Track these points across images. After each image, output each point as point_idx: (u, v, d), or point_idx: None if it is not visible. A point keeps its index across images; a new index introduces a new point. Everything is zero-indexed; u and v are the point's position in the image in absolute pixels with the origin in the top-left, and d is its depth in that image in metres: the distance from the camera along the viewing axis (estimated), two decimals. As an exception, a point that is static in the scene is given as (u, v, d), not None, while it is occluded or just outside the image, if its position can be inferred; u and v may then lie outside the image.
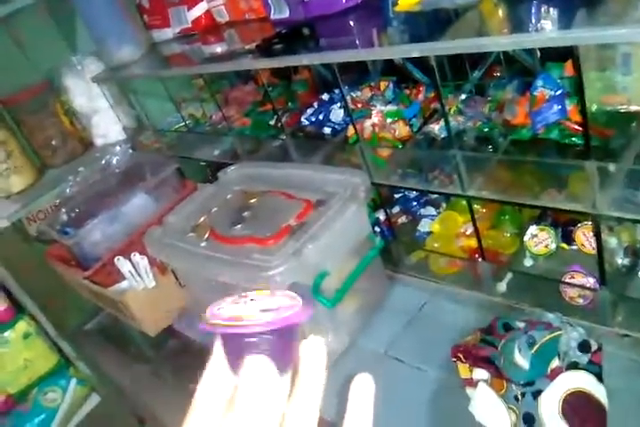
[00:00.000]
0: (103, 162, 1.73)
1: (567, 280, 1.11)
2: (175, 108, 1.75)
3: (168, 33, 1.77)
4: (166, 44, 1.78)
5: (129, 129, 1.85)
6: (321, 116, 1.41)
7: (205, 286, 1.15)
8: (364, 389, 0.31)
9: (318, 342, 0.32)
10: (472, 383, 1.02)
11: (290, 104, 1.56)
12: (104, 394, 1.66)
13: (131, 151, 1.77)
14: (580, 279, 1.10)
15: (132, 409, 1.57)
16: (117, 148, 1.76)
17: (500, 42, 0.77)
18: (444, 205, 1.41)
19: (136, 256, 1.33)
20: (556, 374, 0.95)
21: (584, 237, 1.18)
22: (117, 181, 1.65)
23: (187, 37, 1.71)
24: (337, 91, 1.42)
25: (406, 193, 1.44)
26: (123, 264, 1.33)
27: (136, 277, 1.34)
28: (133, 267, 1.33)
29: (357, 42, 1.10)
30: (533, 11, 0.88)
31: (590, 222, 1.12)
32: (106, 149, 1.80)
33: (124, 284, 1.38)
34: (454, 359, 1.07)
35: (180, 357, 1.40)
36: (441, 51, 0.84)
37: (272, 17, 1.39)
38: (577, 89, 0.75)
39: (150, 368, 1.44)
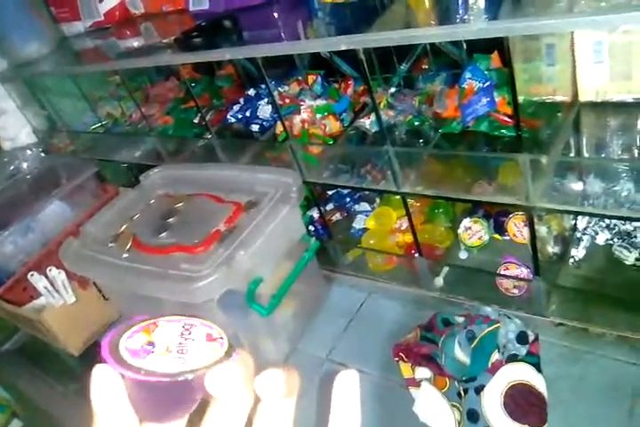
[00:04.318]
0: (12, 167, 1.61)
1: (502, 272, 1.11)
2: (90, 107, 1.63)
3: (79, 26, 1.65)
4: (78, 38, 1.66)
5: (40, 131, 1.72)
6: (248, 113, 1.35)
7: (132, 299, 1.07)
8: (348, 386, 0.28)
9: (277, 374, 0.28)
10: (415, 383, 1.00)
11: (214, 101, 1.49)
12: (26, 419, 1.53)
13: (43, 155, 1.65)
14: (514, 270, 1.11)
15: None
16: (28, 151, 1.64)
17: (431, 33, 0.74)
18: (377, 200, 1.39)
19: (52, 270, 1.22)
20: (496, 367, 0.94)
21: (515, 227, 1.19)
22: (29, 187, 1.53)
23: (100, 31, 1.60)
24: (263, 86, 1.37)
25: (340, 189, 1.41)
26: (37, 280, 1.21)
27: (53, 293, 1.23)
28: (50, 282, 1.22)
29: (282, 34, 1.05)
30: (460, 1, 0.86)
31: (521, 213, 1.14)
32: (14, 153, 1.67)
33: (40, 301, 1.26)
34: (396, 359, 1.05)
35: (108, 375, 1.30)
36: (370, 43, 0.81)
37: (191, 9, 1.31)
38: (509, 80, 0.74)
39: (76, 389, 1.34)
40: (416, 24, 0.87)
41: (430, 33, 0.76)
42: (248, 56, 1.04)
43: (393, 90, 1.17)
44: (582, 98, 1.04)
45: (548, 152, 0.89)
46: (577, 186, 0.93)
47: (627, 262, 1.06)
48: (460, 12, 0.85)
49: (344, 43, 0.84)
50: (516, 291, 1.10)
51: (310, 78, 1.33)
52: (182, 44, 1.12)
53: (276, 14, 1.16)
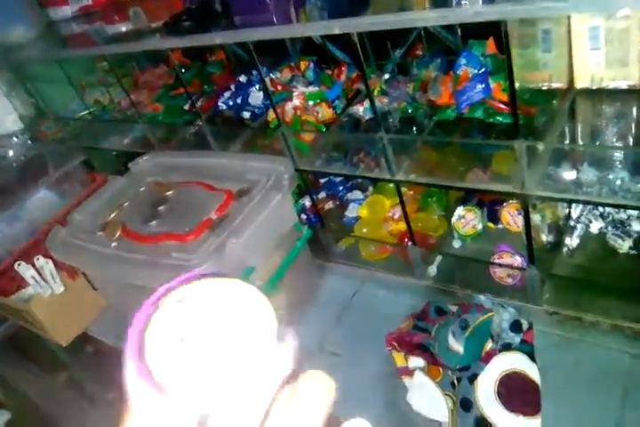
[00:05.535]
0: (-2, 155, 1.57)
1: (496, 261, 1.11)
2: (78, 94, 1.60)
3: (66, 11, 1.61)
4: (65, 23, 1.61)
5: (27, 118, 1.69)
6: (239, 100, 1.32)
7: (121, 288, 1.05)
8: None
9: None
10: (408, 373, 1.00)
11: (205, 87, 1.46)
12: (14, 410, 1.51)
13: (29, 142, 1.62)
14: (508, 259, 1.10)
15: (46, 424, 1.45)
16: (14, 139, 1.61)
17: (428, 17, 0.72)
18: (370, 188, 1.38)
19: (40, 260, 1.19)
20: (490, 356, 0.94)
21: (509, 215, 1.19)
22: (16, 175, 1.50)
23: (87, 16, 1.55)
24: (255, 72, 1.34)
25: (332, 177, 1.40)
26: (25, 269, 1.19)
27: (41, 283, 1.21)
28: (37, 271, 1.20)
29: (274, 19, 1.03)
30: (456, -16, 0.84)
31: (515, 201, 1.13)
32: (0, 140, 1.63)
33: (28, 290, 1.24)
34: (389, 348, 1.05)
35: (96, 365, 1.29)
36: (364, 26, 0.79)
37: (180, -7, 1.29)
38: (505, 66, 0.72)
39: (64, 379, 1.33)
40: (410, 7, 0.85)
41: (426, 16, 0.75)
42: (239, 40, 1.01)
43: (387, 76, 1.15)
44: (578, 85, 1.02)
45: (543, 139, 0.88)
46: (572, 174, 0.92)
47: (620, 251, 1.06)
48: (456, -5, 0.84)
49: (337, 26, 0.82)
50: (510, 280, 1.09)
51: (303, 65, 1.30)
52: (171, 28, 1.10)
53: (267, -2, 1.14)
